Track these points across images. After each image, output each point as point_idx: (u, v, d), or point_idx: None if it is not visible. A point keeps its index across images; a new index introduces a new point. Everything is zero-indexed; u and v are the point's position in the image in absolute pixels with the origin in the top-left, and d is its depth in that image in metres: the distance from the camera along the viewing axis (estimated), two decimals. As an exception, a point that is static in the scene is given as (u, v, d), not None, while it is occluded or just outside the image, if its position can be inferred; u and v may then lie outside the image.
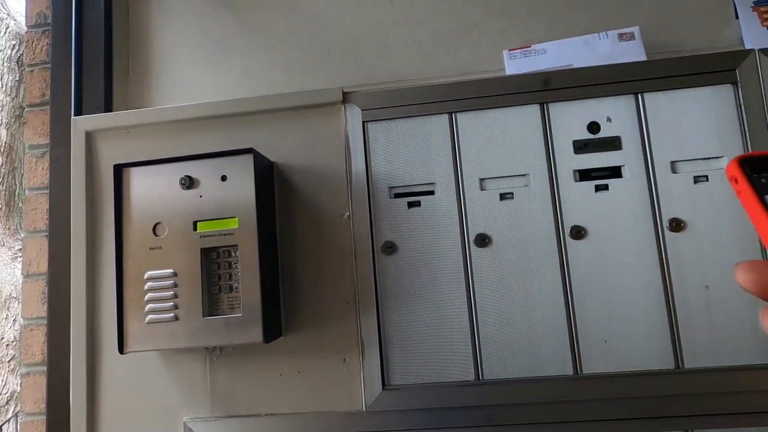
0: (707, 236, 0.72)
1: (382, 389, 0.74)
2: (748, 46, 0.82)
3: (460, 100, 0.80)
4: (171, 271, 0.71)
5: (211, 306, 0.71)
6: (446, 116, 0.79)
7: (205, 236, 0.71)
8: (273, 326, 0.74)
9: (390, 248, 0.77)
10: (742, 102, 0.74)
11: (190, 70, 1.02)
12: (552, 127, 0.77)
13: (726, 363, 0.71)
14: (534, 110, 0.78)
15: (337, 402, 0.76)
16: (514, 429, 0.72)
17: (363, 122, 0.81)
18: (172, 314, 0.70)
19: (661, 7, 0.91)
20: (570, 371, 0.73)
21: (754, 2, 0.87)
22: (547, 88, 0.77)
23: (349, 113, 0.82)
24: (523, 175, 0.77)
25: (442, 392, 0.73)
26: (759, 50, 0.75)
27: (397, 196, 0.79)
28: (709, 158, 0.74)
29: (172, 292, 0.71)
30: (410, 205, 0.78)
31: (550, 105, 0.78)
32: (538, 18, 0.93)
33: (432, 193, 0.78)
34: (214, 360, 0.79)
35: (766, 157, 0.20)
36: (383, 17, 0.97)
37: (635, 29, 0.85)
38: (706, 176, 0.73)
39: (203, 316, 0.70)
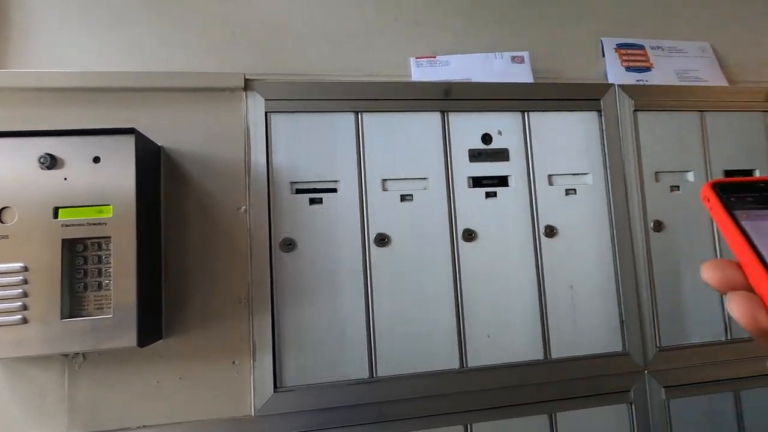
0: (573, 242, 0.82)
1: (274, 391, 0.71)
2: (610, 81, 0.96)
3: (367, 101, 0.81)
4: (20, 264, 0.60)
5: (73, 306, 0.62)
6: (352, 115, 0.79)
7: (68, 225, 0.61)
8: (150, 328, 0.67)
9: (289, 245, 0.75)
10: (603, 127, 0.86)
11: (64, 32, 0.87)
12: (451, 135, 0.82)
13: (584, 352, 0.81)
14: (435, 117, 0.82)
15: (224, 408, 0.71)
16: (404, 423, 0.74)
17: (266, 113, 0.77)
18: (20, 316, 0.59)
19: (547, 38, 1.02)
20: (457, 365, 0.77)
21: (616, 44, 1.02)
22: (448, 98, 0.82)
23: (251, 102, 0.77)
24: (423, 178, 0.80)
25: (336, 391, 0.73)
26: (618, 85, 0.88)
27: (299, 191, 0.77)
28: (578, 174, 0.85)
29: (20, 290, 0.59)
30: (312, 201, 0.77)
31: (450, 114, 0.82)
32: (444, 31, 0.98)
33: (335, 190, 0.77)
34: (75, 368, 0.68)
35: (733, 182, 0.24)
36: (295, 7, 0.94)
37: (525, 54, 0.95)
38: (575, 189, 0.84)
39: (61, 318, 0.60)
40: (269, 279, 0.73)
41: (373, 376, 0.75)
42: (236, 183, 0.76)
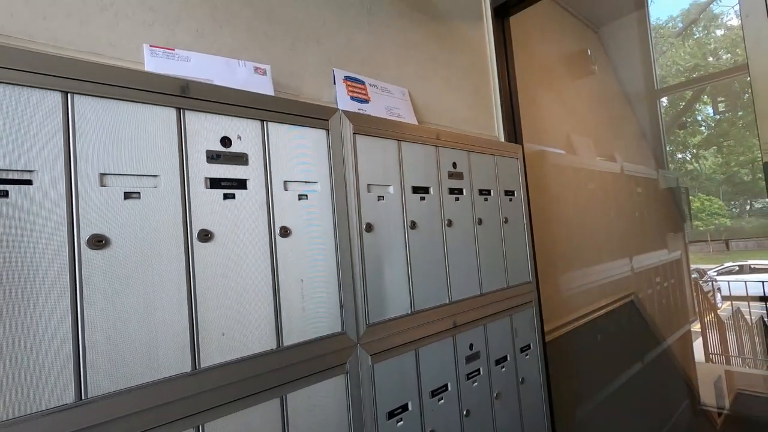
0: (304, 241, 0.94)
1: None
2: (339, 106, 1.15)
3: (82, 81, 0.70)
4: None
5: None
6: (58, 95, 0.67)
7: None
8: None
9: (-53, 251, 0.57)
10: (330, 144, 1.02)
11: None
12: (187, 134, 0.80)
13: (312, 336, 0.94)
14: (170, 113, 0.78)
15: None
16: (122, 442, 0.68)
17: None
18: None
19: (291, 58, 1.13)
20: (189, 368, 0.76)
21: (344, 76, 1.22)
22: (185, 95, 0.80)
23: None
24: (154, 175, 0.76)
25: (25, 428, 0.60)
26: (342, 110, 1.06)
27: (-32, 181, 0.60)
28: (308, 182, 0.97)
29: None
30: (-9, 195, 0.61)
31: (187, 112, 0.80)
32: (185, 25, 0.95)
33: (29, 182, 0.64)
34: None
35: None
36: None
37: (267, 67, 1.02)
38: (307, 195, 0.96)
39: None
40: None
41: (80, 399, 0.65)
42: None
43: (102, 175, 0.70)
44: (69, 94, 0.68)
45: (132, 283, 0.71)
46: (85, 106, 0.70)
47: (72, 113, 0.68)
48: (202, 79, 0.89)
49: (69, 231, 0.66)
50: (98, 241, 0.68)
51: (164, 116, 0.78)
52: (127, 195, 0.72)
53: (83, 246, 0.67)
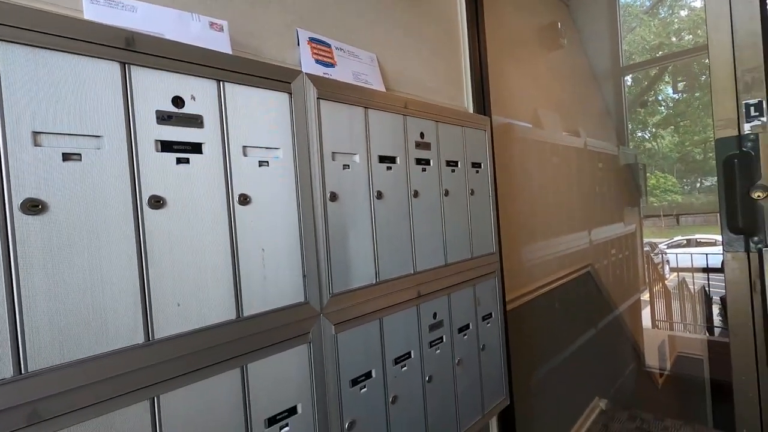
0: (265, 209, 0.91)
1: None
2: (303, 69, 1.09)
3: (10, 27, 0.62)
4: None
5: None
6: (-22, 40, 0.60)
7: None
8: None
9: None
10: (293, 109, 0.97)
11: None
12: (133, 91, 0.74)
13: (273, 306, 0.92)
14: (113, 68, 0.72)
15: None
16: (69, 417, 0.65)
17: None
18: None
19: (251, 15, 1.05)
20: (141, 339, 0.73)
21: (309, 38, 1.16)
22: (131, 49, 0.73)
23: None
24: (97, 136, 0.70)
25: (-43, 404, 0.56)
26: (306, 73, 1.01)
27: None
28: (269, 148, 0.93)
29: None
30: None
31: (132, 67, 0.74)
32: (129, -29, 0.86)
33: (-53, 139, 0.57)
34: None
35: None
36: None
37: (224, 23, 0.95)
38: (267, 162, 0.92)
39: None
40: None
41: (21, 373, 0.61)
42: None
43: (35, 133, 0.64)
44: (-8, 41, 0.61)
45: (75, 251, 0.66)
46: (12, 56, 0.62)
47: (-4, 62, 0.61)
48: (151, 32, 0.82)
49: (-1, 194, 0.60)
50: (33, 206, 0.63)
51: (107, 71, 0.71)
52: (66, 156, 0.66)
53: (16, 211, 0.61)
